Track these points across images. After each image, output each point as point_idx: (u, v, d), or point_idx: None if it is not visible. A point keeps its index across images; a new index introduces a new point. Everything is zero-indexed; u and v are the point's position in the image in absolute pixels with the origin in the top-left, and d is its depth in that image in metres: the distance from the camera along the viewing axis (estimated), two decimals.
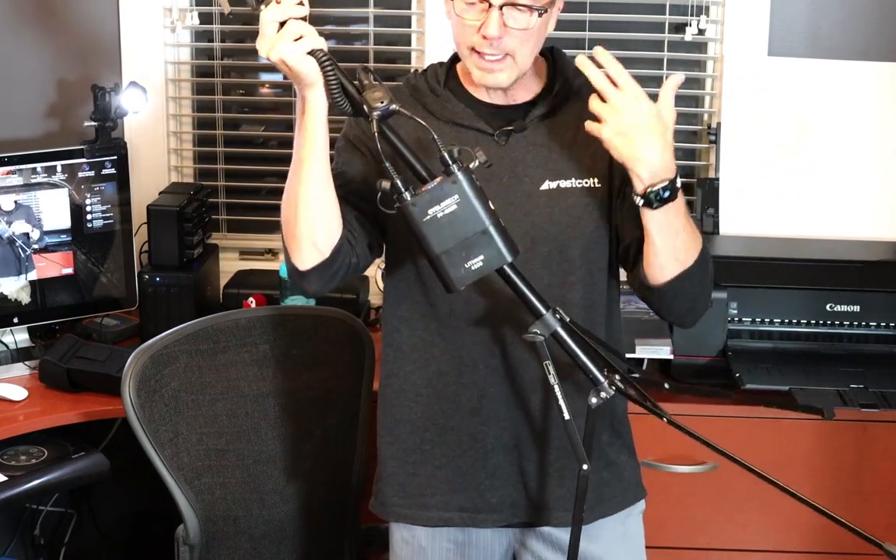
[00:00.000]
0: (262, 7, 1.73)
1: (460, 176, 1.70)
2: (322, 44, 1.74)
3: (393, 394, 2.03)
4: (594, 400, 1.78)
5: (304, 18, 1.73)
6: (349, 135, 1.98)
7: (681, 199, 1.80)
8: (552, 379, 1.78)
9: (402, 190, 1.71)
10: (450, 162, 1.70)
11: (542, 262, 1.92)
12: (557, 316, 1.78)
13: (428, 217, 1.71)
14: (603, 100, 1.76)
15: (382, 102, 1.75)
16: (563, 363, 1.79)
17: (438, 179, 1.71)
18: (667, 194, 1.77)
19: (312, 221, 1.85)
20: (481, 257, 1.72)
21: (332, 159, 1.95)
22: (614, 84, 1.75)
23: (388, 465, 2.06)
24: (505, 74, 1.87)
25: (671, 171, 1.77)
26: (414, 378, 2.00)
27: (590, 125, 1.78)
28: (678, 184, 1.78)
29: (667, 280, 1.84)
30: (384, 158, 1.72)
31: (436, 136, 1.72)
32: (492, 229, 1.71)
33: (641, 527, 2.11)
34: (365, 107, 1.76)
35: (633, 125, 1.74)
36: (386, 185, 1.73)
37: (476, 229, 1.71)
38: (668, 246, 1.81)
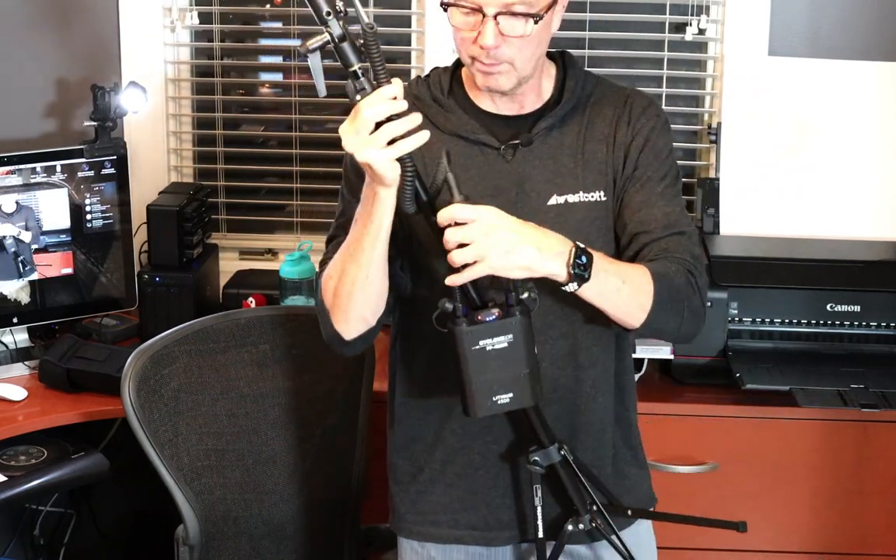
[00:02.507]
0: (359, 97, 1.66)
1: (520, 319, 1.73)
2: (409, 147, 1.67)
3: (405, 412, 2.02)
4: (570, 527, 1.89)
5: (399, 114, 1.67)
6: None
7: (599, 257, 1.78)
8: (537, 500, 1.87)
9: (462, 315, 1.73)
10: (514, 303, 1.73)
11: (552, 282, 1.90)
12: (562, 453, 1.85)
13: (477, 347, 1.74)
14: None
15: None
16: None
17: (497, 313, 1.74)
18: (584, 259, 1.75)
19: (365, 301, 1.83)
20: (510, 395, 1.76)
21: (352, 173, 1.95)
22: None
23: (399, 482, 2.05)
24: (504, 78, 1.84)
25: (567, 241, 1.76)
26: (426, 397, 1.98)
27: (473, 272, 1.71)
28: (582, 244, 1.76)
29: (639, 325, 1.84)
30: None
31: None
32: (529, 375, 1.75)
33: (653, 535, 2.10)
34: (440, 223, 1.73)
35: (506, 234, 1.70)
36: (449, 306, 1.75)
37: (516, 371, 1.75)
38: (619, 304, 1.81)
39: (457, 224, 1.71)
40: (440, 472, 1.99)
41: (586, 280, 1.75)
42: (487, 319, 1.74)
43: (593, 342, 1.93)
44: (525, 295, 1.75)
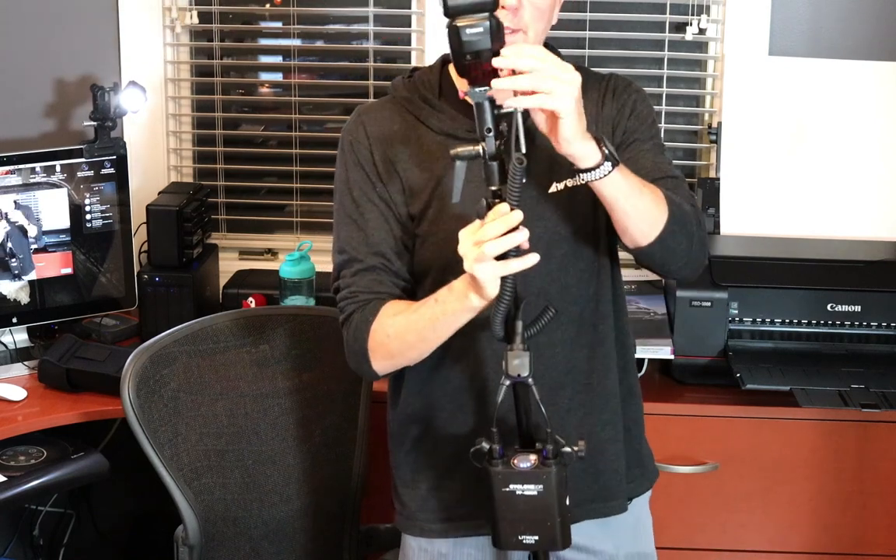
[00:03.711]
0: (488, 214, 1.68)
1: (554, 472, 1.75)
2: (517, 268, 1.67)
3: (414, 411, 2.02)
4: None
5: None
6: (370, 194, 1.93)
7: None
8: None
9: (498, 457, 1.76)
10: (551, 455, 1.75)
11: (559, 264, 1.91)
12: None
13: (507, 490, 1.76)
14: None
15: (523, 373, 1.75)
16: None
17: (533, 461, 1.76)
18: (612, 144, 1.75)
19: (417, 359, 1.89)
20: (536, 537, 1.78)
21: (355, 192, 1.95)
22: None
23: (408, 482, 2.05)
24: None
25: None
26: (434, 397, 1.99)
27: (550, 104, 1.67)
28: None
29: (655, 237, 1.81)
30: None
31: (545, 415, 1.75)
32: (557, 524, 1.77)
33: (650, 513, 2.12)
34: (511, 358, 1.74)
35: (578, 94, 1.68)
36: (485, 446, 1.77)
37: (544, 518, 1.77)
38: (640, 207, 1.79)
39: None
40: (451, 469, 1.99)
41: (618, 163, 1.74)
42: (521, 466, 1.76)
43: (600, 321, 1.96)
44: (568, 449, 1.76)
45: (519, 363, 1.73)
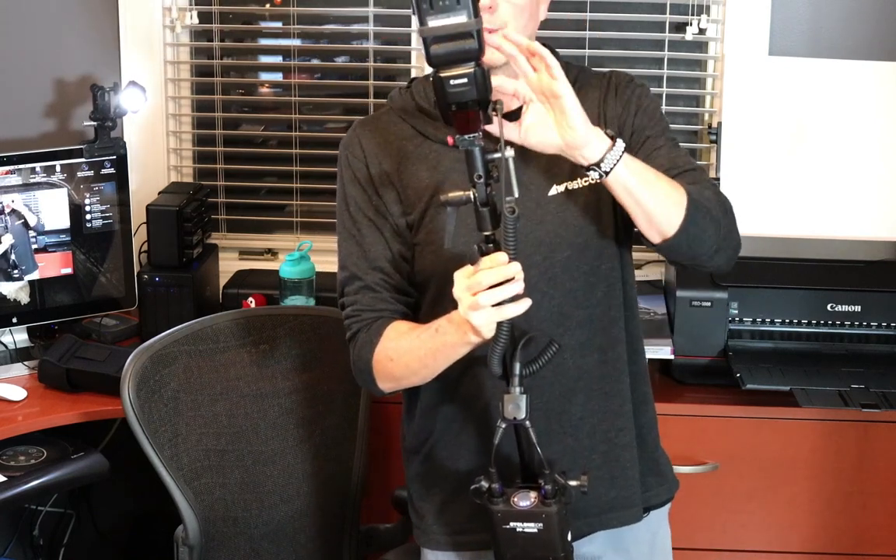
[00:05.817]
0: (482, 259, 1.66)
1: (554, 511, 1.74)
2: (512, 314, 1.66)
3: (427, 426, 2.00)
4: None
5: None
6: (366, 210, 1.93)
7: None
8: None
9: (498, 494, 1.76)
10: (552, 495, 1.75)
11: (563, 268, 1.90)
12: None
13: (508, 527, 1.76)
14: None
15: (519, 416, 1.74)
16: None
17: (534, 500, 1.76)
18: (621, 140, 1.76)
19: (421, 382, 1.91)
20: None
21: (351, 208, 1.95)
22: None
23: (423, 494, 2.04)
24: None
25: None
26: (445, 414, 1.98)
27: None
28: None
29: (678, 227, 1.79)
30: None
31: (541, 456, 1.75)
32: (563, 559, 1.77)
33: (668, 530, 2.11)
34: (507, 401, 1.74)
35: (557, 64, 1.70)
36: (484, 485, 1.77)
37: (546, 553, 1.77)
38: (657, 195, 1.77)
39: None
40: (463, 484, 1.96)
41: (625, 144, 1.73)
42: (521, 505, 1.76)
43: (610, 324, 1.94)
44: (572, 482, 1.76)
45: (514, 407, 1.73)
